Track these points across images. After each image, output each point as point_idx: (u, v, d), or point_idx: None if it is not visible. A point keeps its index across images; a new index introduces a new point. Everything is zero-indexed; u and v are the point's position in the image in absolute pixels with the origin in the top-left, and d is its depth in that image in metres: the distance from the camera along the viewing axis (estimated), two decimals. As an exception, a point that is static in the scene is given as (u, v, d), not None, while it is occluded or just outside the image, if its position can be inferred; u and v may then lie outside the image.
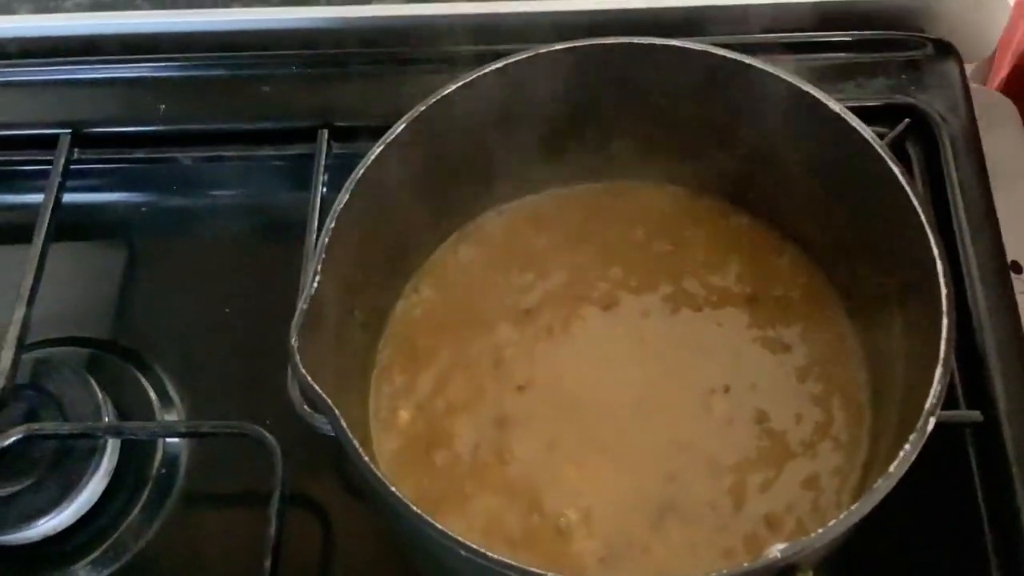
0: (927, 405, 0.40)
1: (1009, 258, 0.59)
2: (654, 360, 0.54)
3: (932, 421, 0.40)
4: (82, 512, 0.56)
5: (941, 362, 0.41)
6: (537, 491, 0.51)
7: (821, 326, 0.54)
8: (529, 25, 0.65)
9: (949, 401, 0.55)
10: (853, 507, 0.39)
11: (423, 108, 0.50)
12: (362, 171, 0.48)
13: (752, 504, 0.49)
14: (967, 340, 0.56)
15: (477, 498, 0.51)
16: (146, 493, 0.57)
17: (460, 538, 0.39)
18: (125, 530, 0.56)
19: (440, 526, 0.39)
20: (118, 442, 0.57)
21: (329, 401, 0.42)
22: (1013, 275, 0.59)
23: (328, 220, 0.47)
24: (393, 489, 0.40)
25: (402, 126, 0.50)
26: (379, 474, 0.41)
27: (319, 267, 0.46)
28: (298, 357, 0.43)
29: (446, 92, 0.51)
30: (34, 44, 0.69)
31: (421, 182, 0.53)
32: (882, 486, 0.39)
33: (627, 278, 0.56)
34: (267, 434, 0.54)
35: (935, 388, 0.41)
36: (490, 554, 0.38)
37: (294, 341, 0.43)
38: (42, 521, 0.55)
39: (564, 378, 0.54)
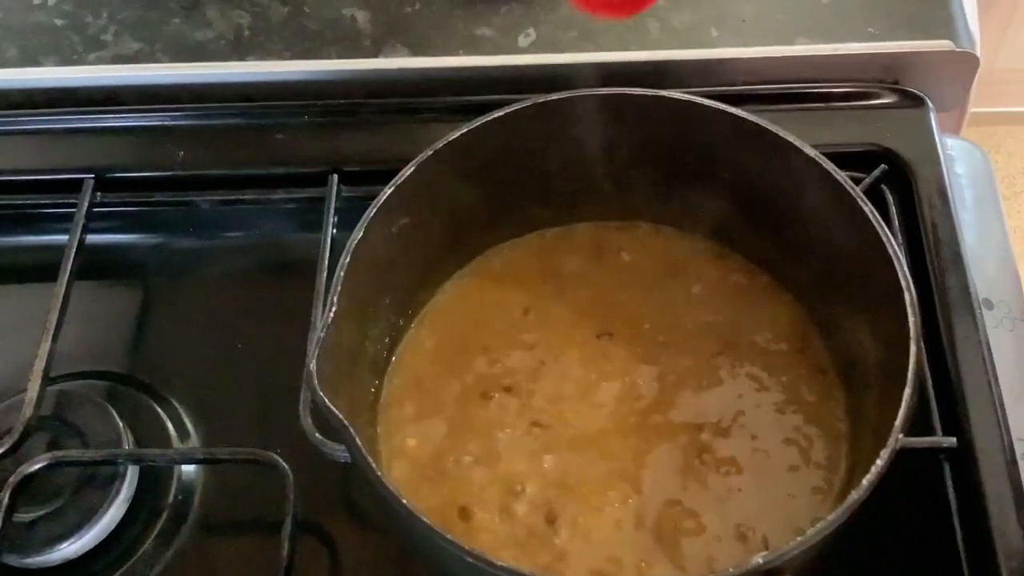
0: (896, 423, 0.43)
1: (981, 296, 0.62)
2: (646, 391, 0.56)
3: (901, 438, 0.43)
4: (102, 537, 0.57)
5: (909, 383, 0.44)
6: (539, 514, 0.53)
7: (802, 360, 0.57)
8: (531, 77, 0.68)
9: (926, 429, 0.58)
10: (829, 516, 0.42)
11: (430, 152, 0.53)
12: (375, 210, 0.51)
13: (741, 522, 0.52)
14: (942, 371, 0.58)
15: (482, 521, 0.53)
16: (163, 519, 0.59)
17: (467, 546, 0.41)
18: (143, 555, 0.58)
19: (448, 535, 0.42)
20: (137, 470, 0.59)
21: (344, 420, 0.45)
22: (985, 311, 0.62)
23: (343, 255, 0.50)
24: (404, 501, 0.43)
25: (411, 169, 0.52)
26: (390, 486, 0.43)
27: (335, 298, 0.48)
28: (316, 380, 0.45)
29: (453, 137, 0.53)
30: (59, 94, 0.71)
31: (429, 220, 0.56)
32: (856, 498, 0.42)
33: (622, 314, 0.59)
34: (280, 460, 0.56)
35: (903, 407, 0.44)
36: (496, 562, 0.41)
37: (312, 366, 0.46)
38: (64, 545, 0.56)
39: (564, 408, 0.56)
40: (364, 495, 0.59)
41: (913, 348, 0.45)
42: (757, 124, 0.54)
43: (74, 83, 0.71)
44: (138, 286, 0.68)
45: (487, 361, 0.57)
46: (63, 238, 0.65)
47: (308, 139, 0.69)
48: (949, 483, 0.57)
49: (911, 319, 0.46)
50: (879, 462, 0.43)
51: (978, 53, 0.69)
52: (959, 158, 0.70)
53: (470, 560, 0.41)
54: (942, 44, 0.68)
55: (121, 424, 0.60)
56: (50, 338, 0.60)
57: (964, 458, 0.56)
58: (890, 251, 0.48)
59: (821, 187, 0.53)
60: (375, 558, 0.58)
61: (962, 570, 0.55)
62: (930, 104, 0.68)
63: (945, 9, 0.70)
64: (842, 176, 0.52)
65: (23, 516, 0.57)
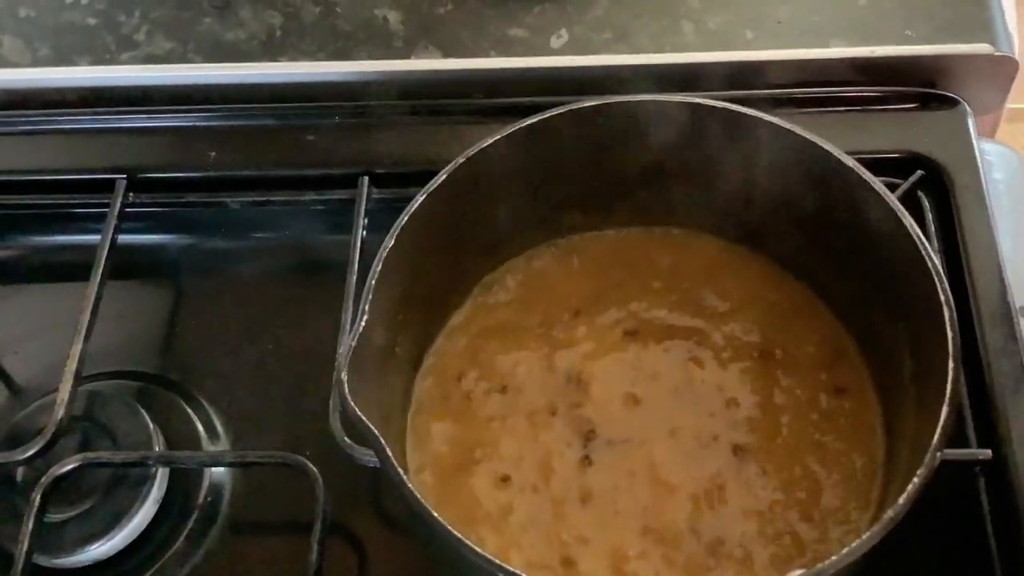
0: (934, 441, 0.43)
1: (1018, 304, 0.61)
2: (680, 402, 0.56)
3: (939, 456, 0.43)
4: (132, 538, 0.58)
5: (947, 401, 0.43)
6: (565, 524, 0.53)
7: (837, 371, 0.56)
8: (564, 78, 0.68)
9: (960, 440, 0.57)
10: (865, 535, 0.41)
11: (462, 160, 0.52)
12: (407, 217, 0.51)
13: (776, 537, 0.51)
14: (977, 381, 0.58)
15: (514, 530, 0.53)
16: (192, 521, 0.59)
17: (500, 562, 0.41)
18: (172, 556, 0.58)
19: (480, 550, 0.41)
20: (167, 471, 0.59)
21: (376, 431, 0.44)
22: (1023, 320, 0.61)
23: (375, 262, 0.49)
24: (435, 514, 0.42)
25: (444, 175, 0.52)
26: (421, 499, 0.43)
27: (367, 306, 0.48)
28: (347, 391, 0.45)
29: (486, 144, 0.53)
30: (92, 94, 0.71)
31: (461, 227, 0.55)
32: (893, 516, 0.41)
33: (653, 321, 0.58)
34: (310, 464, 0.56)
35: (941, 425, 0.43)
36: (529, 578, 0.41)
37: (344, 376, 0.45)
38: (94, 546, 0.57)
39: (598, 413, 0.55)
40: (394, 500, 0.59)
41: (951, 365, 0.44)
42: (793, 132, 0.53)
43: (107, 83, 0.71)
44: (169, 286, 0.68)
45: (519, 367, 0.57)
46: (95, 238, 0.65)
47: (339, 140, 0.69)
48: (984, 496, 0.56)
49: (950, 336, 0.45)
50: (916, 480, 0.42)
51: (1017, 56, 0.68)
52: (996, 163, 0.69)
53: (502, 576, 0.41)
54: (981, 48, 0.67)
55: (152, 425, 0.60)
56: (82, 338, 0.61)
57: (1000, 471, 0.55)
58: (929, 265, 0.47)
59: (858, 196, 0.52)
60: (405, 562, 0.58)
61: (997, 586, 0.54)
62: (968, 109, 0.68)
63: (984, 12, 0.68)
64: (881, 187, 0.51)
65: (54, 517, 0.57)
